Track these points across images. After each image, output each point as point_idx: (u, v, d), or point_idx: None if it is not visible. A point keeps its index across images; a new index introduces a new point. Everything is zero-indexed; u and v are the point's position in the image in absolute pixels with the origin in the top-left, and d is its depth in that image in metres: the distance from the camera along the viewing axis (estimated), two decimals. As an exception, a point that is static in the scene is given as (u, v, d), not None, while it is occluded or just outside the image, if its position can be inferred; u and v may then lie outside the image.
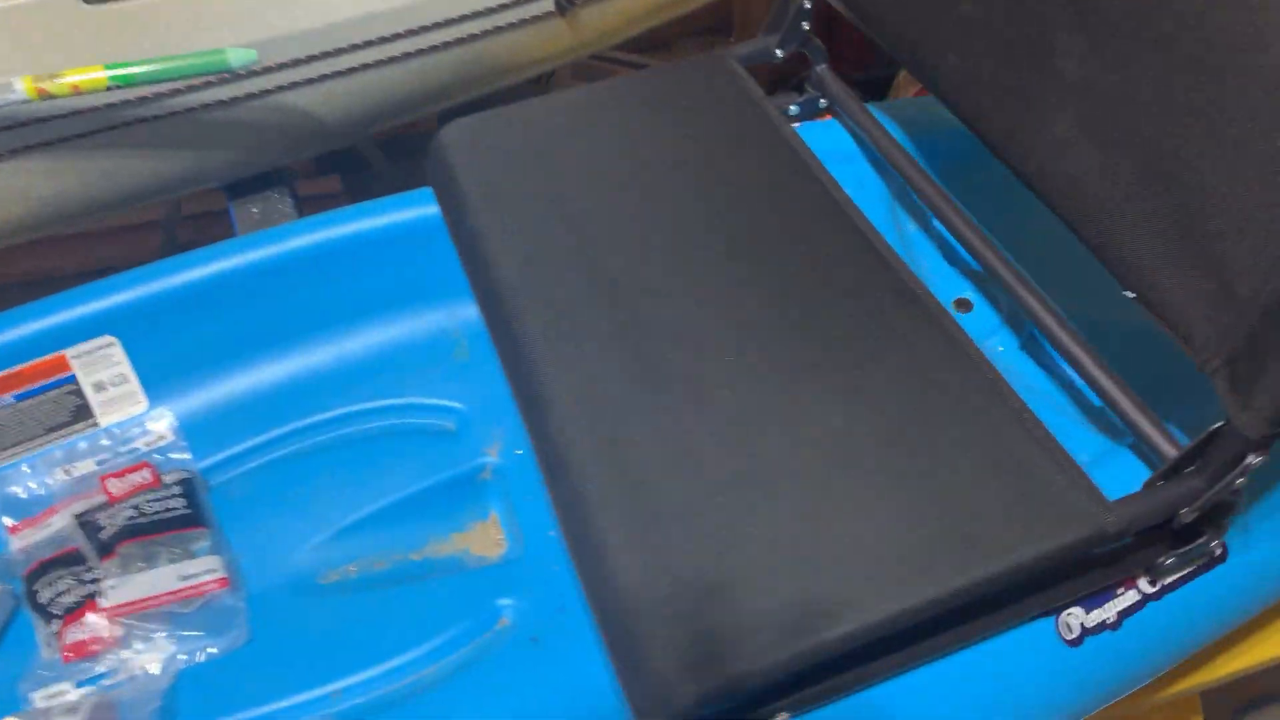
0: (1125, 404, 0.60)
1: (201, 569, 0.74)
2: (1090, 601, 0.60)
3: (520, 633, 0.71)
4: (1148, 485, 0.56)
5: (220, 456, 0.82)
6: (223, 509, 0.79)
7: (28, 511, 0.77)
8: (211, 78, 0.93)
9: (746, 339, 0.62)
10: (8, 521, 0.77)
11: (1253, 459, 0.50)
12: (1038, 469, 0.54)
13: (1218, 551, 0.63)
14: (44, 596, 0.72)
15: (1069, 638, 0.58)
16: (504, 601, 0.73)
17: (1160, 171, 0.52)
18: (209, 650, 0.71)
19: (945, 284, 0.83)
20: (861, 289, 0.63)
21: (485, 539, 0.79)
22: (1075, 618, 0.59)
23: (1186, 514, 0.54)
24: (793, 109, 0.92)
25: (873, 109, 0.89)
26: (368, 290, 0.87)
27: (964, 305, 0.81)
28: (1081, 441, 0.70)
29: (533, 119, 0.82)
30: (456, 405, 0.85)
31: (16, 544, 0.76)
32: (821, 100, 0.92)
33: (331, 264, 0.86)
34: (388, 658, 0.71)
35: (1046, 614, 0.58)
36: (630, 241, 0.67)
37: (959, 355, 0.60)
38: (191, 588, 0.73)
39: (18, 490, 0.78)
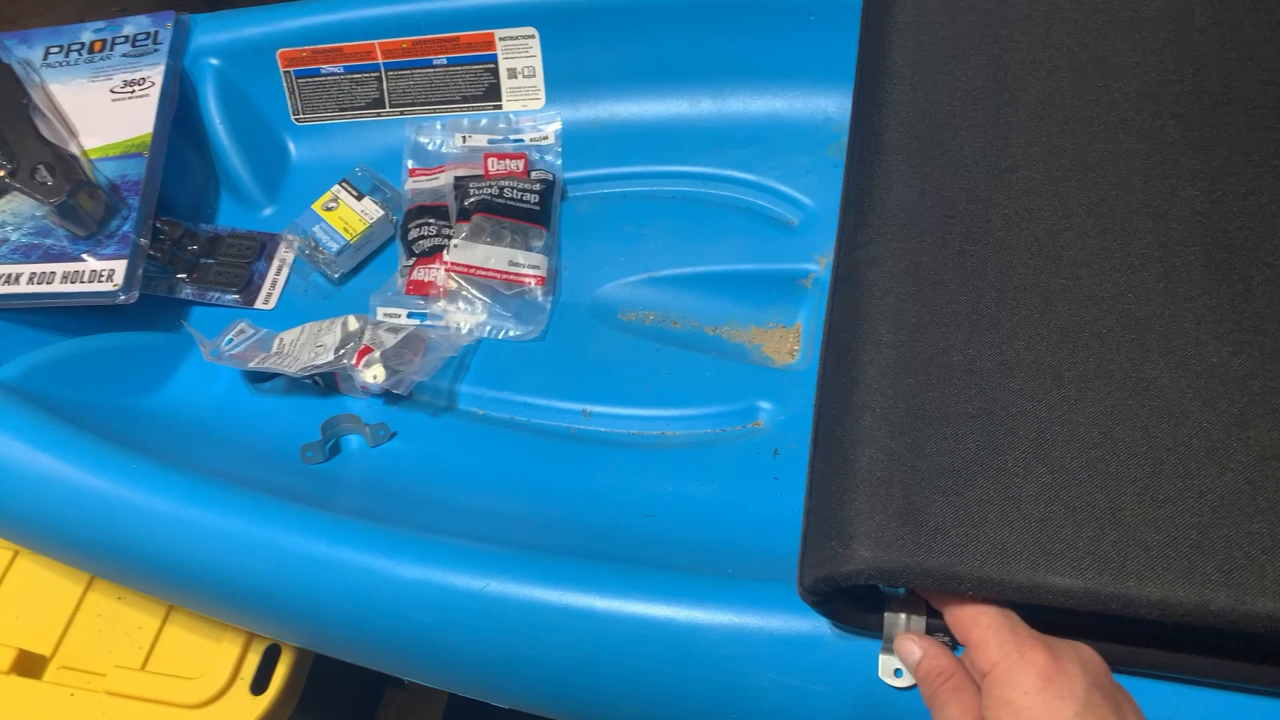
0: None
1: (529, 262, 0.80)
2: None
3: (767, 440, 0.70)
4: None
5: (584, 172, 0.86)
6: (567, 220, 0.85)
7: (427, 162, 0.88)
8: None
9: (1133, 228, 0.49)
10: (410, 164, 0.88)
11: None
12: None
13: None
14: (412, 235, 0.83)
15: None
16: (765, 405, 0.72)
17: None
18: (509, 332, 0.78)
19: None
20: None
21: (780, 344, 0.76)
22: None
23: None
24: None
25: None
26: (773, 54, 0.83)
27: None
28: None
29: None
30: (807, 202, 0.80)
31: (410, 185, 0.87)
32: None
33: (752, 17, 0.83)
34: (645, 404, 0.73)
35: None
36: (1057, 113, 0.55)
37: None
38: (515, 274, 0.79)
39: (426, 141, 0.89)
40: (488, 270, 0.79)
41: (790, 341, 0.76)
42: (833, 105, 0.83)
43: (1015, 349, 0.47)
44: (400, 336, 0.76)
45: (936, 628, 0.48)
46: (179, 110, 0.86)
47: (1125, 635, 0.45)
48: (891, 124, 0.58)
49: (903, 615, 0.48)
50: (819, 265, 0.77)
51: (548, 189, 0.83)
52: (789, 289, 0.78)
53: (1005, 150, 0.54)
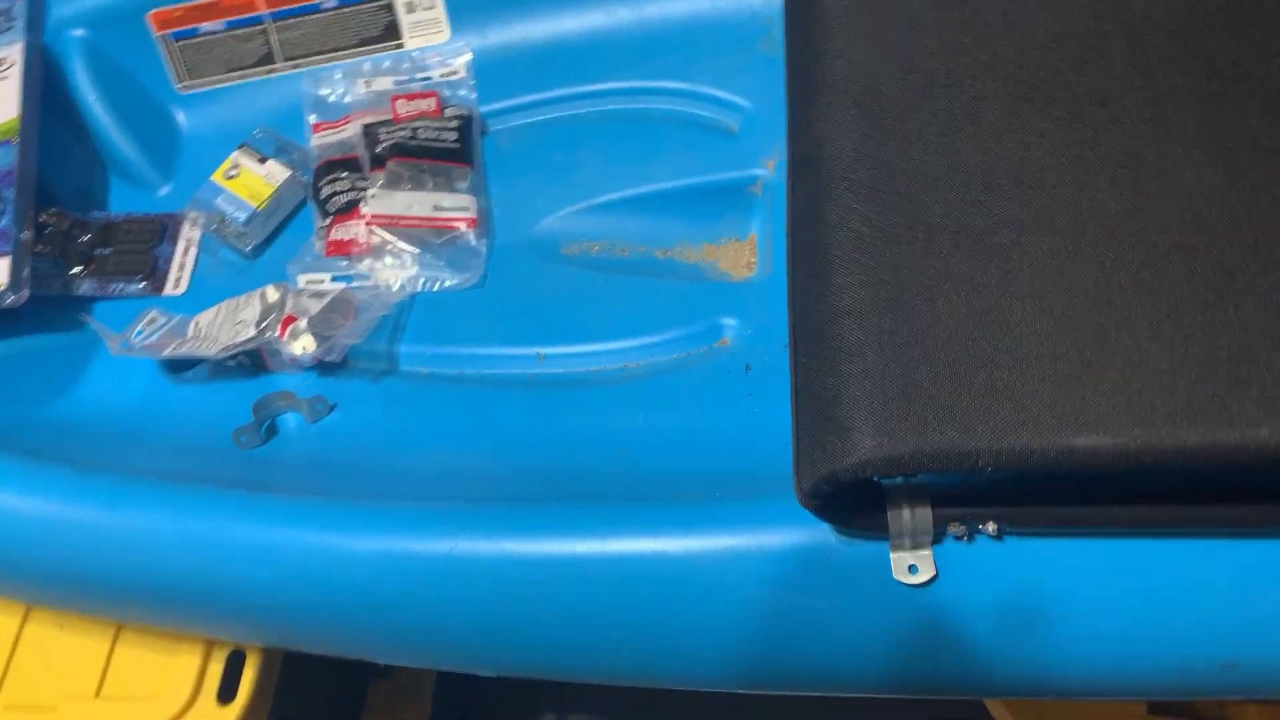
0: None
1: (456, 204, 0.74)
2: None
3: (736, 357, 0.65)
4: None
5: (503, 104, 0.80)
6: (491, 156, 0.78)
7: (330, 114, 0.81)
8: None
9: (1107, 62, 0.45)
10: (313, 119, 0.81)
11: None
12: None
13: None
14: (324, 193, 0.76)
15: None
16: (729, 322, 0.67)
17: None
18: (445, 282, 0.72)
19: None
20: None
21: (736, 258, 0.71)
22: None
23: None
24: None
25: None
26: (685, -47, 0.77)
27: None
28: None
29: None
30: (745, 104, 0.75)
31: (315, 141, 0.80)
32: None
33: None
34: (602, 339, 0.68)
35: None
36: None
37: None
38: (443, 219, 0.73)
39: (326, 93, 0.82)
40: (412, 219, 0.73)
41: (746, 254, 0.71)
42: (757, -2, 0.77)
43: (1001, 201, 0.42)
44: (326, 301, 0.69)
45: (945, 517, 0.44)
46: (47, 90, 0.77)
47: (1151, 494, 0.41)
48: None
49: (906, 510, 0.44)
50: (766, 169, 0.72)
51: (465, 125, 0.77)
52: (738, 199, 0.73)
53: (960, -3, 0.49)
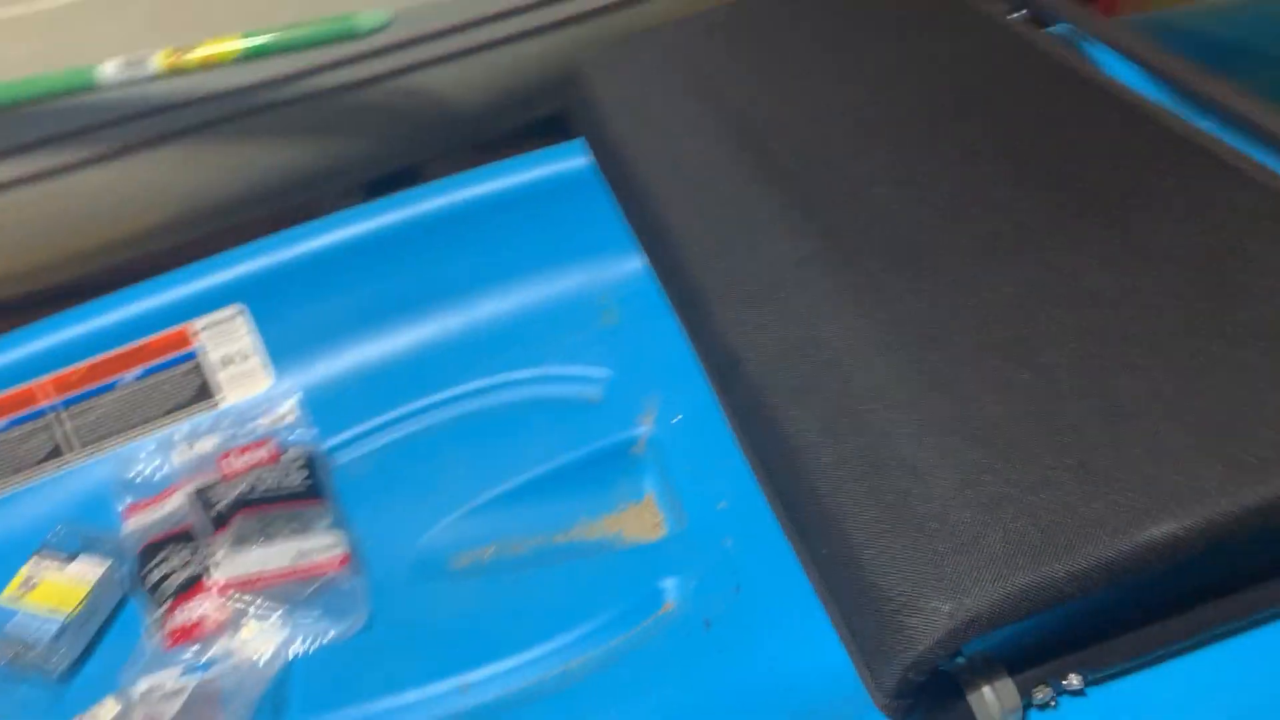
0: None
1: (320, 546, 0.64)
2: None
3: (691, 617, 0.58)
4: None
5: (346, 434, 0.74)
6: (347, 489, 0.71)
7: (147, 492, 0.71)
8: (344, 56, 0.90)
9: (968, 204, 0.49)
10: (126, 502, 0.70)
11: None
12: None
13: None
14: (153, 578, 0.64)
15: None
16: (667, 583, 0.61)
17: None
18: (325, 635, 0.61)
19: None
20: (1124, 143, 0.49)
21: (641, 521, 0.67)
22: None
23: None
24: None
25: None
26: (503, 253, 0.79)
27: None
28: None
29: (676, 40, 0.73)
30: (602, 373, 0.74)
31: (132, 525, 0.69)
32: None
33: (464, 226, 0.79)
34: (528, 646, 0.59)
35: None
36: (801, 128, 0.56)
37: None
38: (309, 566, 0.63)
39: (138, 471, 0.72)
40: (273, 573, 0.63)
41: (650, 515, 0.67)
42: (585, 278, 0.79)
43: (921, 349, 0.42)
44: (180, 703, 0.56)
45: (1027, 683, 0.39)
46: None
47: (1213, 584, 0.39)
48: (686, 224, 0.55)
49: (986, 688, 0.38)
50: (644, 426, 0.70)
51: (310, 463, 0.70)
52: (624, 463, 0.69)
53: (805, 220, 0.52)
